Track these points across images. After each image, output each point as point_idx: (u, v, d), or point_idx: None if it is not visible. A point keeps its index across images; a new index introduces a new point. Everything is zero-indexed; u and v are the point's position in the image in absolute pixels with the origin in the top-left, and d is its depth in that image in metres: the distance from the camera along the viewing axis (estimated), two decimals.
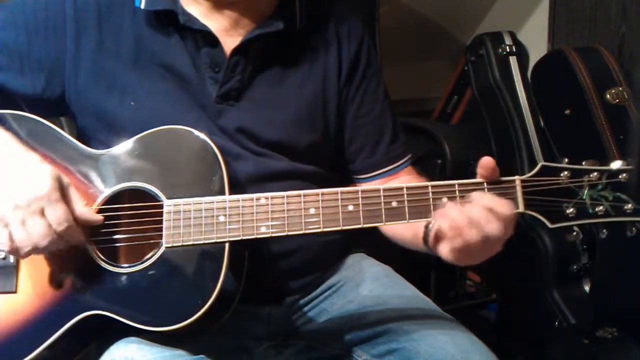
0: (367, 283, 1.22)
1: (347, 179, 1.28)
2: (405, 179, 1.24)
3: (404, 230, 1.11)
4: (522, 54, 2.19)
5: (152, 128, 1.05)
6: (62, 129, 1.09)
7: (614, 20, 2.11)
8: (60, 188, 0.96)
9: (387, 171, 1.24)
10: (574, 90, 1.87)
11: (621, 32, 2.08)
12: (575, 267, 1.91)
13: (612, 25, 2.11)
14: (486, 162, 0.95)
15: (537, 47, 2.30)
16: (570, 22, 2.26)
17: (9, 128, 1.05)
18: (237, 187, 1.04)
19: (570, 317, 1.85)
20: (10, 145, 1.01)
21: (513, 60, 2.17)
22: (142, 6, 1.10)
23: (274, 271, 1.15)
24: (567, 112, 1.91)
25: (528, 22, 2.47)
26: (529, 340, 1.95)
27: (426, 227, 1.02)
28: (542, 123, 2.06)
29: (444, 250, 0.96)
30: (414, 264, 1.40)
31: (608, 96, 1.84)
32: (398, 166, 1.25)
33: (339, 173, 1.26)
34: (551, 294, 1.90)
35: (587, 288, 1.91)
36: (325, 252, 1.20)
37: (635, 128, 1.79)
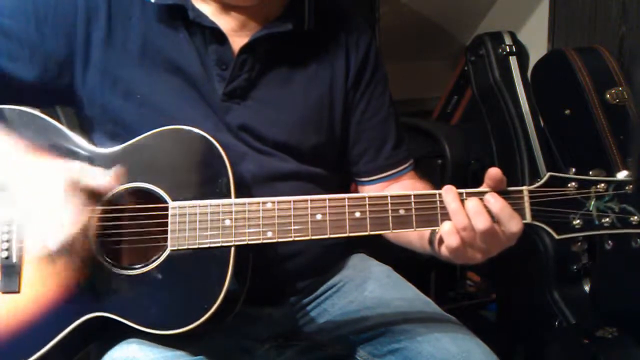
0: (368, 283, 1.23)
1: (350, 181, 1.28)
2: (408, 184, 1.25)
3: (409, 232, 1.11)
4: (522, 54, 2.18)
5: (157, 123, 1.04)
6: (59, 119, 1.08)
7: (614, 20, 2.11)
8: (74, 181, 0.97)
9: (389, 175, 1.24)
10: (574, 91, 1.87)
11: (621, 32, 2.09)
12: (575, 267, 1.91)
13: (612, 25, 2.12)
14: (494, 174, 0.94)
15: (537, 47, 2.30)
16: (570, 22, 2.27)
17: (10, 125, 1.04)
18: (242, 186, 1.04)
19: (570, 317, 1.85)
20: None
21: (513, 60, 2.17)
22: (152, 0, 1.10)
23: (276, 273, 1.15)
24: (567, 112, 1.91)
25: (528, 22, 2.48)
26: (529, 340, 1.95)
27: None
28: (542, 123, 2.06)
29: (442, 247, 0.97)
30: (415, 264, 1.40)
31: (608, 96, 1.84)
32: (400, 171, 1.25)
33: (342, 174, 1.26)
34: (551, 294, 1.90)
35: (587, 288, 1.91)
36: (328, 254, 1.21)
37: (635, 128, 1.79)
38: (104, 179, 1.03)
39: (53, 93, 1.12)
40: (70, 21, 1.09)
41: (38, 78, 1.09)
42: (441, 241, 0.97)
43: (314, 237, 0.97)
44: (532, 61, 2.12)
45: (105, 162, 1.04)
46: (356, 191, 1.29)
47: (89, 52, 1.10)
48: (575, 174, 0.96)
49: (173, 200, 1.00)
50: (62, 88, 1.12)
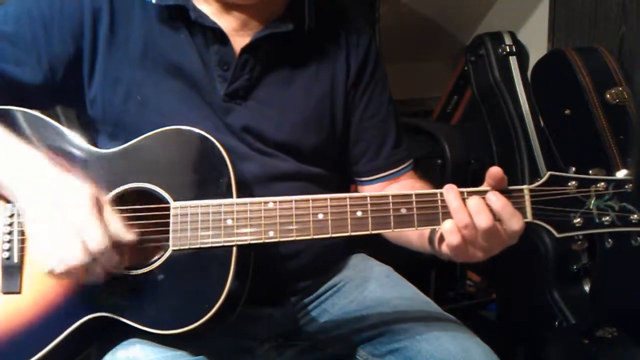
0: (368, 283, 1.23)
1: (350, 181, 1.28)
2: (407, 183, 1.25)
3: (409, 232, 1.11)
4: (522, 54, 2.19)
5: (158, 124, 1.03)
6: (59, 118, 1.07)
7: (614, 20, 2.11)
8: (98, 207, 0.93)
9: (389, 175, 1.25)
10: (574, 90, 1.87)
11: (621, 32, 2.09)
12: (575, 267, 1.92)
13: (612, 25, 2.12)
14: (494, 173, 0.95)
15: (537, 47, 2.30)
16: (570, 22, 2.27)
17: (12, 126, 1.03)
18: (243, 187, 1.03)
19: (570, 317, 1.85)
20: (38, 160, 0.97)
21: (513, 60, 2.17)
22: (154, 0, 1.09)
23: (277, 272, 1.15)
24: (567, 112, 1.91)
25: (528, 22, 2.48)
26: (529, 340, 1.95)
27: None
28: (542, 123, 2.06)
29: (443, 245, 0.97)
30: (415, 264, 1.40)
31: (608, 96, 1.84)
32: (400, 170, 1.26)
33: (342, 175, 1.26)
34: (551, 294, 1.91)
35: (587, 288, 1.91)
36: (328, 254, 1.21)
37: (635, 128, 1.79)
38: (105, 179, 1.03)
39: (59, 94, 1.12)
40: (77, 21, 1.09)
41: (45, 81, 1.09)
42: (442, 239, 0.98)
43: (315, 237, 0.97)
44: (532, 61, 2.13)
45: (106, 162, 1.04)
46: (356, 192, 1.29)
47: (96, 51, 1.10)
48: (575, 173, 0.96)
49: (174, 200, 1.00)
50: (68, 89, 1.11)
